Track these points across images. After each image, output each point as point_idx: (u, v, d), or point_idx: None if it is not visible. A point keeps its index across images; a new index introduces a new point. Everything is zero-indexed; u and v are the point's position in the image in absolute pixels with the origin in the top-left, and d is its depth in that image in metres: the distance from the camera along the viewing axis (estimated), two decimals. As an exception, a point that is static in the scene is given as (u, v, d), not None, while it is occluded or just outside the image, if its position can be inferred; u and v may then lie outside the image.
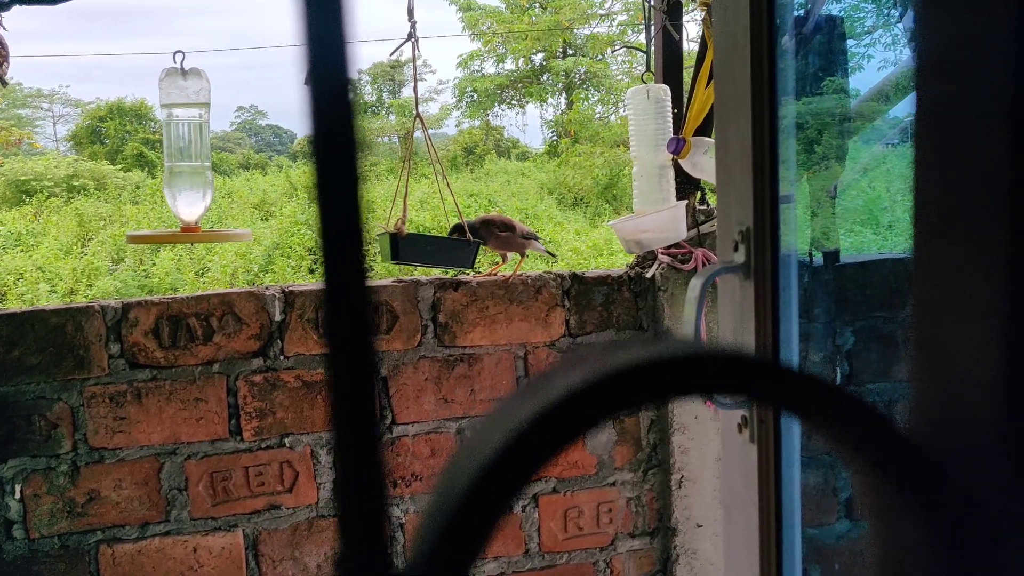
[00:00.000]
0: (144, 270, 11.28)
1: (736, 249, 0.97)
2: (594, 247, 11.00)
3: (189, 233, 1.87)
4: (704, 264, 2.15)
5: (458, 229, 2.20)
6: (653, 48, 2.29)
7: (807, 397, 0.29)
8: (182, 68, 1.90)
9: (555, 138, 21.54)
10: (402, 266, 2.35)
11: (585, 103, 20.54)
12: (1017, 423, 0.34)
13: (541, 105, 22.71)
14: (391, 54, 2.37)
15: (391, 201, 2.97)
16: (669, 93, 2.15)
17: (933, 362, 0.38)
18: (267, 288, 2.07)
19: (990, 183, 0.34)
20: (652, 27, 2.27)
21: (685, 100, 2.17)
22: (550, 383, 0.28)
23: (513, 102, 23.01)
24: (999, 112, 0.33)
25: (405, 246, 2.12)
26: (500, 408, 0.29)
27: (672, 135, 2.10)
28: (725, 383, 0.29)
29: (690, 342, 0.31)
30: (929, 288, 0.37)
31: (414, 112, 2.23)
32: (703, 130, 2.05)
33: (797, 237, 1.21)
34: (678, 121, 2.17)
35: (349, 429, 0.25)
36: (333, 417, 0.25)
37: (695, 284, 0.99)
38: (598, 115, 20.56)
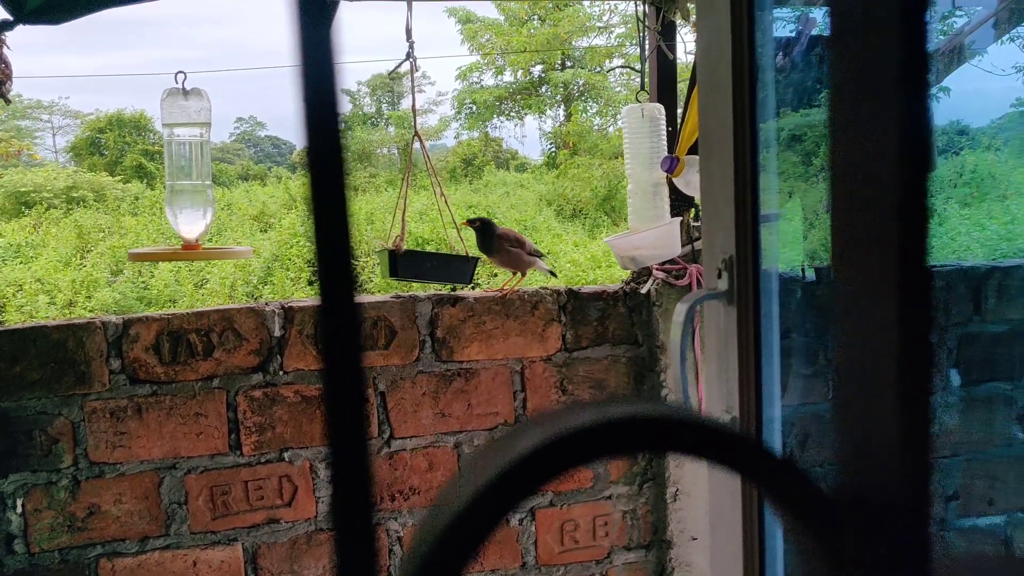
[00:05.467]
0: (143, 282, 11.31)
1: (720, 276, 1.01)
2: (592, 259, 11.04)
3: (190, 251, 1.90)
4: (699, 280, 2.19)
5: (481, 223, 2.24)
6: (648, 67, 2.33)
7: (752, 466, 0.33)
8: (183, 88, 1.94)
9: (553, 150, 21.62)
10: (401, 282, 2.38)
11: (584, 115, 20.62)
12: (916, 448, 0.37)
13: (539, 117, 22.79)
14: (390, 73, 2.41)
15: (391, 214, 2.99)
16: (663, 112, 2.18)
17: (847, 382, 0.40)
18: (267, 304, 2.10)
19: (890, 197, 0.36)
20: (647, 47, 2.30)
21: (679, 118, 2.21)
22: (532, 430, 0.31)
23: (512, 114, 23.10)
24: (896, 125, 0.36)
25: (404, 262, 2.16)
26: (491, 447, 0.32)
27: (666, 154, 2.14)
28: (678, 446, 0.33)
29: (645, 406, 0.34)
30: (842, 305, 0.40)
31: (413, 129, 2.27)
32: (697, 149, 2.09)
33: (782, 257, 1.24)
34: (672, 139, 2.21)
35: (340, 444, 0.28)
36: (328, 432, 0.28)
37: (680, 309, 1.02)
38: (596, 127, 20.64)
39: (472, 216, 2.46)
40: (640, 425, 0.32)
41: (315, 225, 0.27)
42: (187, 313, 2.05)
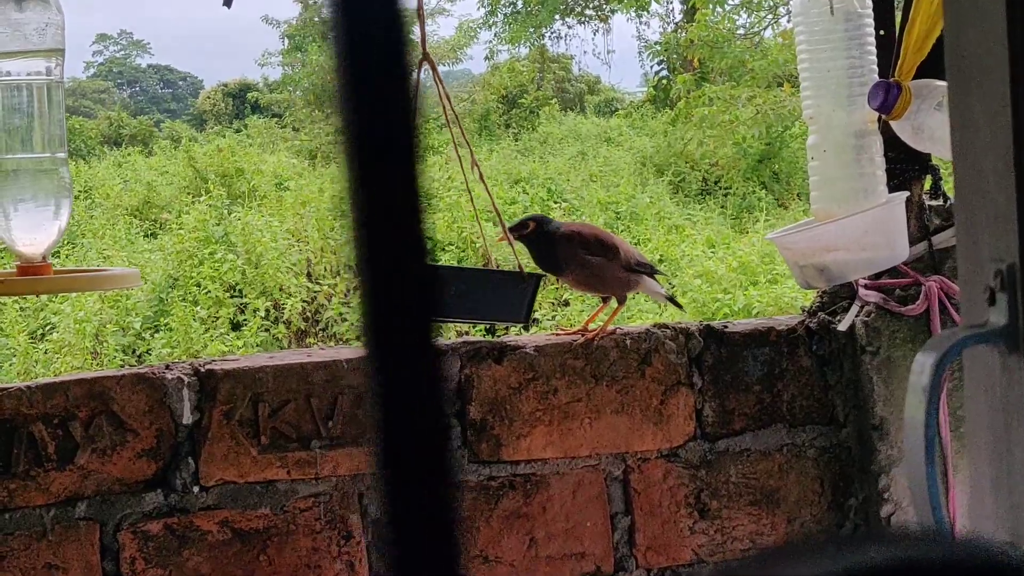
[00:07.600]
0: (-58, 332, 11.50)
1: (993, 302, 0.98)
2: (742, 269, 10.99)
3: (32, 277, 1.93)
4: (945, 306, 2.17)
5: (536, 224, 2.23)
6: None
7: None
8: (16, -9, 1.98)
9: (665, 73, 21.61)
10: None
11: (718, 9, 20.59)
12: None
13: (638, 15, 22.83)
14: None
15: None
16: (870, 2, 2.18)
17: None
18: (167, 368, 2.13)
19: None
20: None
21: (900, 15, 2.20)
22: None
23: (587, 12, 23.15)
24: None
25: None
26: None
27: (877, 78, 2.13)
28: None
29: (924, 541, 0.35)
30: None
31: (421, 47, 2.29)
32: (931, 67, 2.08)
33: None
34: (887, 51, 2.20)
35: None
36: None
37: (924, 362, 1.00)
38: (742, 30, 20.58)
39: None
40: None
41: (361, 226, 0.27)
42: (26, 388, 2.08)
